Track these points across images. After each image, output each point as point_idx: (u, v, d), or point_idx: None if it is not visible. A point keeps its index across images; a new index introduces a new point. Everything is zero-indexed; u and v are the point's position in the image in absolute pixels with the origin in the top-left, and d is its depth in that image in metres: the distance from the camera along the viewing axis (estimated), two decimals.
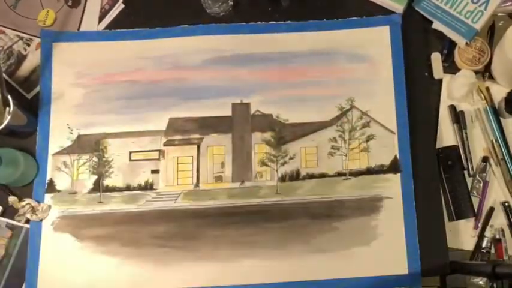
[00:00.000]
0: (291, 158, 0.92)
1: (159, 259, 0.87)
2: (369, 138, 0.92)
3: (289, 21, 0.97)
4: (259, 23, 0.98)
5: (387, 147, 0.91)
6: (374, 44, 0.96)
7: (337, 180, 0.91)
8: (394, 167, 0.90)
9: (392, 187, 0.89)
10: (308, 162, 0.92)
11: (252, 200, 0.90)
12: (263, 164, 0.92)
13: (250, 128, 0.94)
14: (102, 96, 0.95)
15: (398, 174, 0.90)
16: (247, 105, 0.95)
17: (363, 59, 0.95)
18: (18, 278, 0.88)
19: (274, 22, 0.97)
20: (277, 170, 0.92)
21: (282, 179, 0.91)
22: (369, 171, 0.91)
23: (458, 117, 0.93)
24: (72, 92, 0.96)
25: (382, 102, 0.93)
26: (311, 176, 0.91)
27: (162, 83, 0.96)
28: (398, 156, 0.90)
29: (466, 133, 0.93)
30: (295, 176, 0.91)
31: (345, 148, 0.92)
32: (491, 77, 0.95)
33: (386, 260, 0.87)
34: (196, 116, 0.94)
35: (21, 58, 0.99)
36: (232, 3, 0.98)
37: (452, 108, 0.94)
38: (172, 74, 0.96)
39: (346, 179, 0.91)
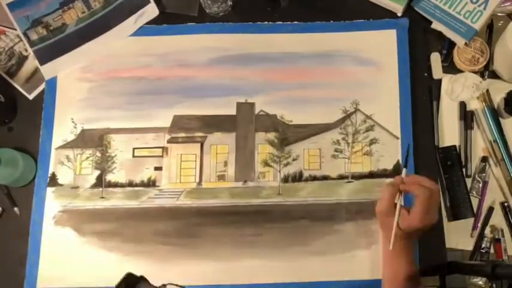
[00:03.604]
0: (294, 159, 0.92)
1: (160, 256, 0.88)
2: (372, 142, 0.92)
3: (296, 22, 0.97)
4: (266, 23, 0.97)
5: (390, 151, 0.91)
6: (380, 48, 0.96)
7: (340, 183, 0.91)
8: (396, 172, 0.90)
9: None
10: (311, 164, 0.92)
11: (254, 200, 0.90)
12: (266, 164, 0.92)
13: (254, 127, 0.94)
14: (107, 91, 0.95)
15: None
16: (252, 104, 0.95)
17: (369, 62, 0.95)
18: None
19: (281, 22, 0.97)
20: (279, 171, 0.92)
21: (285, 180, 0.91)
22: (372, 175, 0.91)
23: (466, 114, 0.94)
24: (77, 87, 0.96)
25: (386, 107, 0.93)
26: (313, 178, 0.91)
27: (167, 80, 0.96)
28: (401, 161, 0.91)
29: (470, 133, 0.93)
30: (298, 178, 0.91)
31: (348, 151, 0.92)
32: (490, 77, 0.95)
33: None
34: (201, 114, 0.94)
35: (23, 59, 0.99)
36: (231, 3, 0.98)
37: (462, 104, 0.94)
38: (178, 72, 0.96)
39: (349, 182, 0.91)
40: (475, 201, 0.91)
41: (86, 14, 0.98)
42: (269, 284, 0.86)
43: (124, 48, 0.97)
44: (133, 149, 0.94)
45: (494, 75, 0.95)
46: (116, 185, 0.92)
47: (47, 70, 0.97)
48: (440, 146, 0.93)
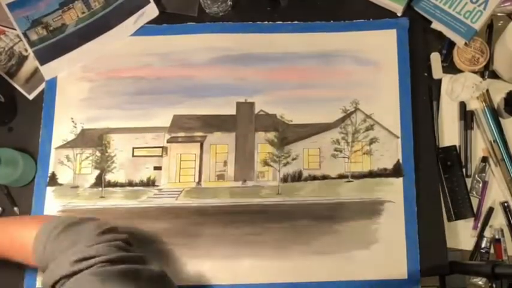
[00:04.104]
0: (293, 159, 0.92)
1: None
2: (372, 141, 0.92)
3: (296, 22, 0.97)
4: (266, 22, 0.97)
5: (390, 151, 0.91)
6: (380, 47, 0.96)
7: (339, 183, 0.91)
8: (396, 171, 0.90)
9: (394, 191, 0.89)
10: (310, 164, 0.92)
11: (254, 200, 0.90)
12: (265, 163, 0.92)
13: (254, 127, 0.94)
14: (107, 91, 0.95)
15: (401, 179, 0.90)
16: (252, 104, 0.95)
17: (369, 62, 0.95)
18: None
19: (281, 22, 0.97)
20: (279, 171, 0.92)
21: (284, 179, 0.91)
22: (371, 175, 0.91)
23: (466, 114, 0.93)
24: (78, 86, 0.96)
25: (386, 106, 0.93)
26: (313, 178, 0.91)
27: (167, 79, 0.96)
28: (401, 161, 0.90)
29: (470, 133, 0.93)
30: (297, 177, 0.91)
31: (348, 150, 0.92)
32: (490, 77, 0.95)
33: (385, 264, 0.87)
34: (201, 113, 0.94)
35: (23, 59, 0.99)
36: (231, 3, 0.98)
37: (462, 104, 0.94)
38: (178, 71, 0.96)
39: (348, 181, 0.91)
40: (475, 201, 0.91)
41: (86, 14, 0.98)
42: (269, 284, 0.86)
43: (124, 48, 0.97)
44: (133, 148, 0.94)
45: (494, 75, 0.95)
46: (115, 184, 0.92)
47: (47, 70, 0.97)
48: (440, 146, 0.93)
